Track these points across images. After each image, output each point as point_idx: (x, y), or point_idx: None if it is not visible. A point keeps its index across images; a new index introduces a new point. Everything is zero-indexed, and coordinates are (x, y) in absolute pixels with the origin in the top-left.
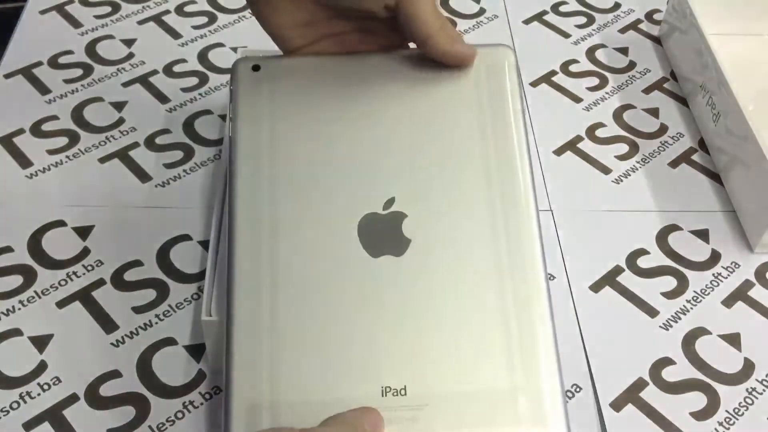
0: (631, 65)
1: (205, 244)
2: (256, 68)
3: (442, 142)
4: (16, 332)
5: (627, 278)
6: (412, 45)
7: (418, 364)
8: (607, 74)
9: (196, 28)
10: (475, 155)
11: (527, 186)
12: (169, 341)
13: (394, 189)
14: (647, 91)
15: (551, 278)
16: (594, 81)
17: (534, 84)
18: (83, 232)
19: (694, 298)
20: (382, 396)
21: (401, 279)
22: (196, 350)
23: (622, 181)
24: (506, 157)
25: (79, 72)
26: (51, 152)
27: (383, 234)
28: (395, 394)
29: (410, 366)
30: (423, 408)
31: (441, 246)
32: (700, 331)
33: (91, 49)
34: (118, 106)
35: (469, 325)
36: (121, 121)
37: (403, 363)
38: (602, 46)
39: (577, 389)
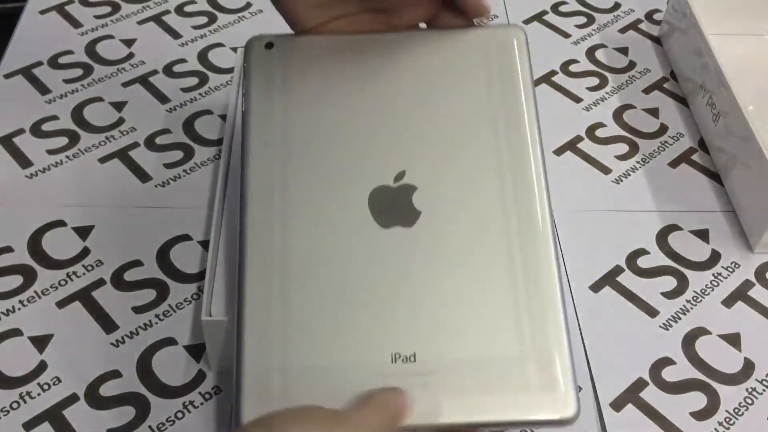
0: (631, 65)
1: (205, 244)
2: (269, 46)
3: (451, 118)
4: (16, 332)
5: (627, 278)
6: (422, 25)
7: (427, 331)
8: (607, 74)
9: (196, 28)
10: (485, 130)
11: (537, 159)
12: (169, 341)
13: (405, 163)
14: (647, 91)
15: None
16: (594, 81)
17: (534, 84)
18: (83, 232)
19: (694, 298)
20: (392, 362)
21: (411, 248)
22: (196, 350)
23: (622, 181)
24: (516, 131)
25: (79, 72)
26: (51, 152)
27: (394, 206)
28: (405, 360)
29: (419, 333)
30: (432, 374)
31: (451, 217)
32: (700, 331)
33: (91, 49)
34: (118, 106)
35: (478, 293)
36: (121, 121)
37: (413, 330)
38: (602, 46)
39: (577, 389)
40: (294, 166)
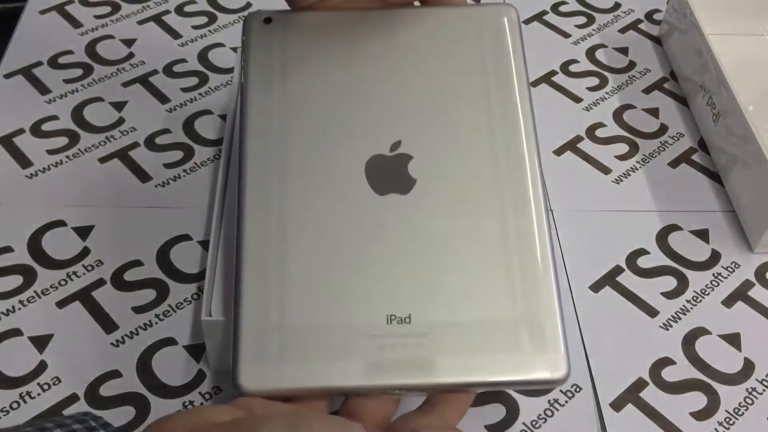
0: (631, 65)
1: (205, 244)
2: (267, 21)
3: (446, 90)
4: (16, 332)
5: (627, 278)
6: (416, 4)
7: (422, 293)
8: (607, 74)
9: (196, 28)
10: (477, 102)
11: (528, 126)
12: (169, 341)
13: (401, 133)
14: (647, 91)
15: None
16: (594, 81)
17: (534, 84)
18: (83, 232)
19: (694, 298)
20: (387, 324)
21: (406, 214)
22: (196, 350)
23: (622, 181)
24: (508, 102)
25: (79, 72)
26: (51, 152)
27: (390, 174)
28: (400, 322)
29: (414, 295)
30: (426, 335)
31: (445, 184)
32: (700, 331)
33: (91, 49)
34: (118, 106)
35: (471, 258)
36: (121, 121)
37: (408, 292)
38: (602, 46)
39: (577, 389)
40: (293, 136)
